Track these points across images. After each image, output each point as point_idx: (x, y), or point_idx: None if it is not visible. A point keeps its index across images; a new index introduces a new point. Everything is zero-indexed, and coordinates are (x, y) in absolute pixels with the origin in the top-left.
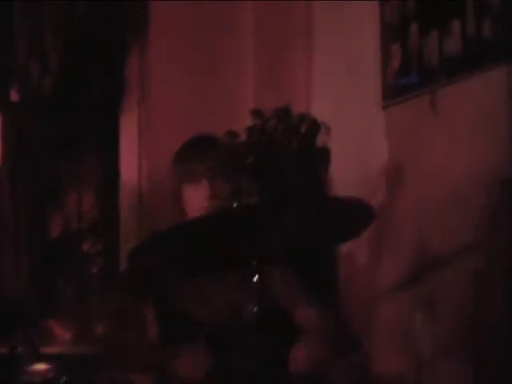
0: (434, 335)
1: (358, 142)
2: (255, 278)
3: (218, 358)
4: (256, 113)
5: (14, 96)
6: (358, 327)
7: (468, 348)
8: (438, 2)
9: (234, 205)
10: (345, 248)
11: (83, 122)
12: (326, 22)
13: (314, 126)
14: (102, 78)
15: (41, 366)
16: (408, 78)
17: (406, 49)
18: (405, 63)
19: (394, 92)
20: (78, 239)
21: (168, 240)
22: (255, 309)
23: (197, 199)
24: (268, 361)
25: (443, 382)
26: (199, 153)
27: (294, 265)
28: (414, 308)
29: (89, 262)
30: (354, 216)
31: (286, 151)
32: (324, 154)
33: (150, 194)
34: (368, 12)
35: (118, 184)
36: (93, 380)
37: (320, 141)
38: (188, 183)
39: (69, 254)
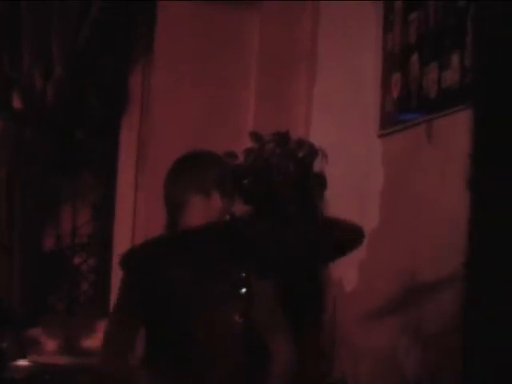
0: (420, 361)
1: (355, 168)
2: (243, 290)
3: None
4: (254, 135)
5: (16, 103)
6: (345, 351)
7: (454, 375)
8: (439, 34)
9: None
10: (336, 272)
11: (82, 136)
12: (329, 50)
13: (311, 152)
14: (104, 92)
15: (25, 363)
16: (407, 108)
17: (406, 79)
18: (404, 93)
19: (392, 121)
20: (70, 254)
21: (162, 244)
22: (241, 320)
23: (206, 210)
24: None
25: None
26: (205, 165)
27: (281, 282)
28: (402, 334)
29: (80, 277)
30: (343, 235)
31: (282, 175)
32: (320, 180)
33: (146, 212)
34: (371, 40)
35: (113, 201)
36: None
37: (317, 167)
38: (196, 195)
39: (60, 268)
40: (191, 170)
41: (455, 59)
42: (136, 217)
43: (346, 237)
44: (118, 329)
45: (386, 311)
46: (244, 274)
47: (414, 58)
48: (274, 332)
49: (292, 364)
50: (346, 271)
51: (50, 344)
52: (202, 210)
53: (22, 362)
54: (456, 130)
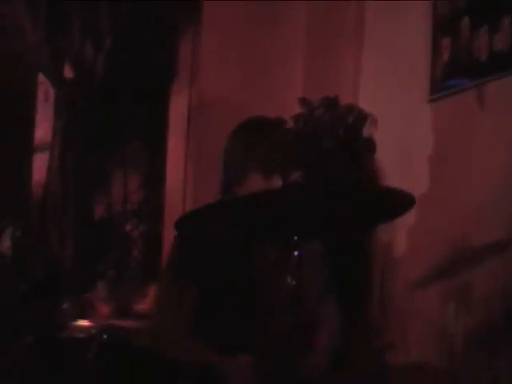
0: (467, 326)
1: (404, 133)
2: (295, 253)
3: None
4: (303, 101)
5: (68, 72)
6: (392, 316)
7: (500, 339)
8: None
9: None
10: (384, 237)
11: (132, 105)
12: (378, 13)
13: (361, 117)
14: (153, 61)
15: (84, 322)
16: (457, 73)
17: (456, 43)
18: (454, 57)
19: (441, 86)
20: (121, 221)
21: (217, 210)
22: (294, 282)
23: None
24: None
25: (475, 372)
26: (272, 145)
27: (331, 247)
28: (451, 298)
29: (131, 244)
30: (394, 200)
31: (332, 140)
32: (369, 145)
33: (196, 178)
34: (420, 5)
35: (164, 168)
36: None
37: (366, 132)
38: (257, 174)
39: (112, 235)
40: (256, 147)
41: (506, 22)
42: (186, 183)
43: (396, 202)
44: (174, 295)
45: (435, 276)
46: (296, 238)
47: (465, 22)
48: (321, 295)
49: (337, 328)
50: (394, 236)
51: (104, 308)
52: (258, 189)
53: (81, 322)
54: (507, 94)
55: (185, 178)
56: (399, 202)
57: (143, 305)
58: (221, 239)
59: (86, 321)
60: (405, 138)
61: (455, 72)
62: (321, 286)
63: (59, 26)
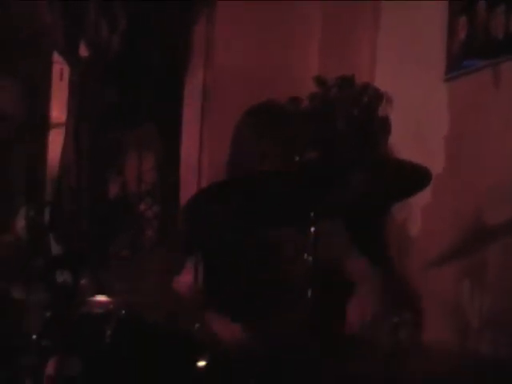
0: (483, 304)
1: (420, 113)
2: (312, 229)
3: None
4: (319, 80)
5: (83, 51)
6: (407, 295)
7: None
8: None
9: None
10: (399, 217)
11: (147, 84)
12: None
13: (377, 96)
14: (167, 42)
15: (102, 298)
16: (473, 52)
17: (472, 22)
18: (470, 37)
19: (458, 65)
20: (135, 200)
21: (230, 188)
22: (310, 259)
23: None
24: (320, 315)
25: (490, 351)
26: (277, 126)
27: (349, 222)
28: (465, 278)
29: (145, 224)
30: (410, 176)
31: (347, 120)
32: (384, 125)
33: (212, 159)
34: None
35: (179, 147)
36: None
37: (381, 111)
38: (274, 163)
39: (126, 215)
40: (267, 132)
41: None
42: (201, 163)
43: (413, 177)
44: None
45: (450, 255)
46: (312, 214)
47: (481, 1)
48: (354, 261)
49: (381, 282)
50: (409, 216)
51: (119, 287)
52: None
53: (99, 298)
54: None
55: (199, 158)
56: (417, 177)
57: (157, 284)
58: (235, 216)
59: (103, 296)
60: (420, 117)
61: (471, 51)
62: (350, 254)
63: (75, 5)
